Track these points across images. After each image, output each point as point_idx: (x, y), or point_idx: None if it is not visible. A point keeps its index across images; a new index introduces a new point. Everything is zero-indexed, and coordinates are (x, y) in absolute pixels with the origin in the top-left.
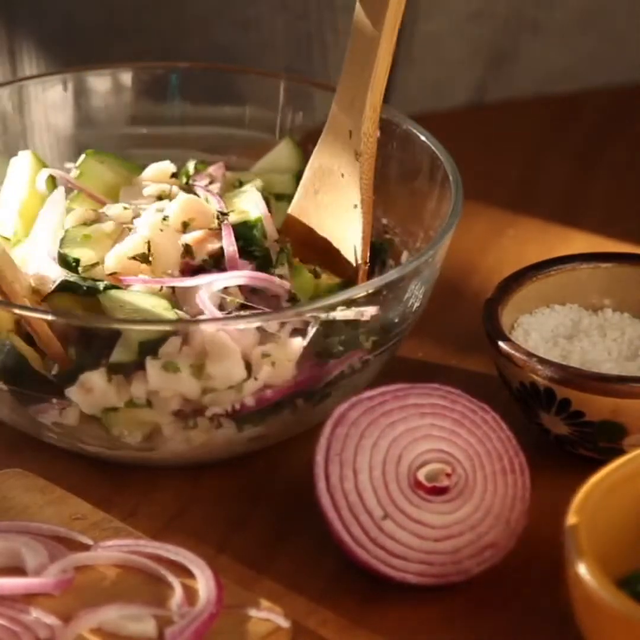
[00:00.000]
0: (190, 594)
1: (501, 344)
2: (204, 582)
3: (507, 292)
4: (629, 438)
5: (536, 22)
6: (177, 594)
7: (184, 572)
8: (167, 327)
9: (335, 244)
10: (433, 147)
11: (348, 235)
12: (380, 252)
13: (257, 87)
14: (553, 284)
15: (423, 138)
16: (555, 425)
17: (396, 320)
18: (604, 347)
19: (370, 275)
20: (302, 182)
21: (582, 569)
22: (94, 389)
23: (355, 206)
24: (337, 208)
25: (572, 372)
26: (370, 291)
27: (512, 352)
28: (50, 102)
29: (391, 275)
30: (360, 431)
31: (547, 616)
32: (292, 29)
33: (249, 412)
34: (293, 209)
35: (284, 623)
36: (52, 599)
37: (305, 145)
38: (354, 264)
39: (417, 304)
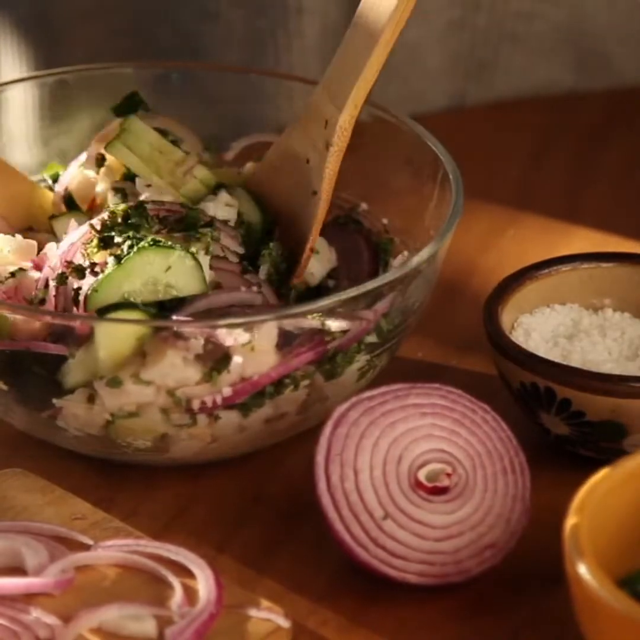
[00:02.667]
0: (191, 594)
1: (501, 344)
2: (204, 582)
3: (507, 292)
4: (629, 438)
5: (515, 33)
6: (177, 594)
7: (184, 572)
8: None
9: (287, 222)
10: (433, 147)
11: (302, 219)
12: (381, 252)
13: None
14: (553, 284)
15: (423, 138)
16: (556, 425)
17: (396, 320)
18: (604, 347)
19: (373, 275)
20: (267, 153)
21: (582, 569)
22: (77, 414)
23: (315, 193)
24: (295, 191)
25: (572, 372)
26: (370, 291)
27: (513, 352)
28: (28, 104)
29: (391, 275)
30: (360, 431)
31: (547, 616)
32: (249, 26)
33: (248, 397)
34: (252, 177)
35: (284, 623)
36: (52, 598)
37: None
38: (303, 248)
39: (417, 304)
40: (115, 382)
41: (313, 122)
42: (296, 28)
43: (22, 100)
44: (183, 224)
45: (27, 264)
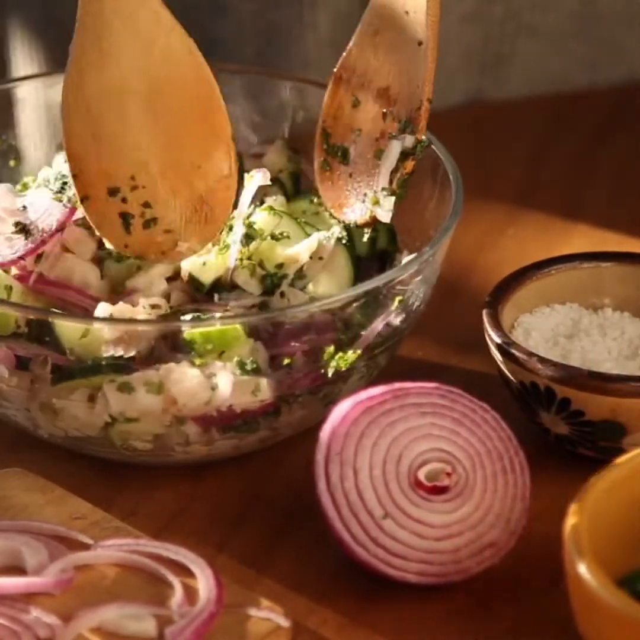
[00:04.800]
0: (190, 594)
1: (501, 343)
2: (204, 582)
3: (507, 292)
4: (628, 437)
5: (531, 26)
6: (177, 594)
7: (184, 571)
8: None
9: (397, 83)
10: (433, 147)
11: (411, 74)
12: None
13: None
14: (553, 283)
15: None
16: (555, 425)
17: (396, 320)
18: (604, 346)
19: (372, 274)
20: (360, 24)
21: (582, 569)
22: (77, 415)
23: (420, 44)
24: (399, 47)
25: (572, 372)
26: (370, 291)
27: (512, 351)
28: (40, 102)
29: (391, 274)
30: (360, 430)
31: (547, 616)
32: (261, 19)
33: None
34: (350, 51)
35: (284, 622)
36: (52, 598)
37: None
38: (419, 102)
39: (417, 304)
40: (127, 387)
41: None
42: (310, 20)
43: (34, 98)
44: None
45: None
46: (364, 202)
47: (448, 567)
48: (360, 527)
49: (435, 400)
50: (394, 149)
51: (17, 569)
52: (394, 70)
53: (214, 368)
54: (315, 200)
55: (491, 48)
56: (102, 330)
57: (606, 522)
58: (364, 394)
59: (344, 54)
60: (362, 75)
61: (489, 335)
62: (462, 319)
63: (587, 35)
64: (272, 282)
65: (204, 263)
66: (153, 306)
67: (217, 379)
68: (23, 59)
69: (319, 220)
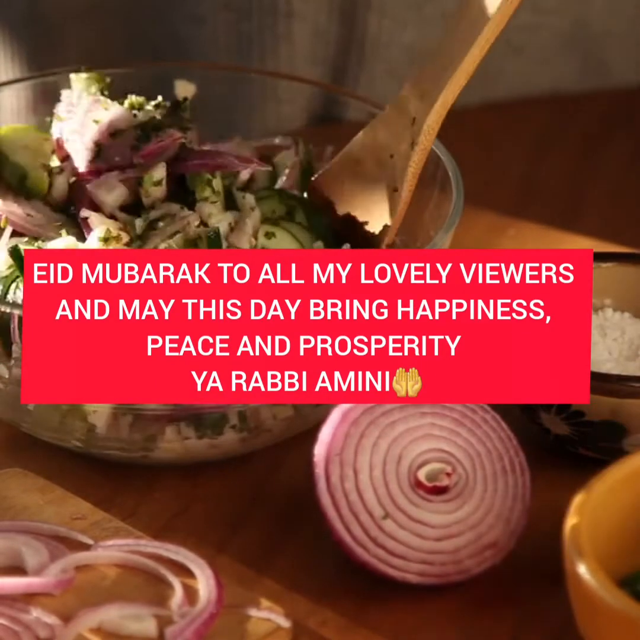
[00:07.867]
0: (191, 594)
1: None
2: (204, 582)
3: None
4: (629, 438)
5: (519, 43)
6: (178, 594)
7: (184, 571)
8: None
9: (362, 218)
10: (434, 147)
11: (379, 215)
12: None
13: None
14: None
15: None
16: (556, 425)
17: None
18: (604, 346)
19: None
20: (346, 147)
21: (582, 569)
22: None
23: (396, 190)
24: (375, 185)
25: None
26: None
27: None
28: (20, 106)
29: None
30: (360, 431)
31: (547, 616)
32: (234, 30)
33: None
34: (328, 170)
35: (284, 623)
36: (52, 598)
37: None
38: (377, 244)
39: None
40: None
41: (400, 118)
42: (284, 33)
43: (14, 102)
44: None
45: None
46: None
47: (448, 568)
48: (361, 528)
49: None
50: None
51: (17, 569)
52: (361, 206)
53: None
54: None
55: (479, 66)
56: None
57: (606, 522)
58: None
59: (320, 171)
60: (332, 194)
61: None
62: None
63: (574, 53)
64: None
65: None
66: None
67: None
68: (5, 57)
69: None
